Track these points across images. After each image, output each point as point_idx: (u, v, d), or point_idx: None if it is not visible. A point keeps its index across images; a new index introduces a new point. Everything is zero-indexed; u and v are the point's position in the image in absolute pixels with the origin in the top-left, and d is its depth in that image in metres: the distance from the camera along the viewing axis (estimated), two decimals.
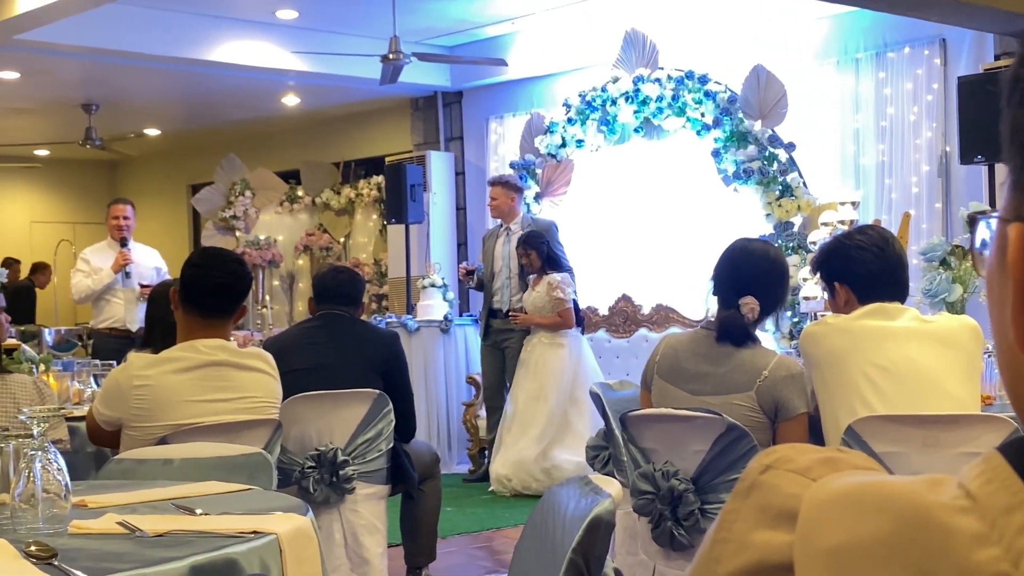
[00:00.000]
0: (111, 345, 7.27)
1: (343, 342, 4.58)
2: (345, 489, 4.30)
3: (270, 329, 10.24)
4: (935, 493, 0.63)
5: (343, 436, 4.33)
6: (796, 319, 7.31)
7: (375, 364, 4.56)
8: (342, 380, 4.41)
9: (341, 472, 4.27)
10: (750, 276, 3.38)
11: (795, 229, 7.62)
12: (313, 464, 4.27)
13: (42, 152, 14.16)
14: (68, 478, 2.29)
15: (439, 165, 10.34)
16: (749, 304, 3.34)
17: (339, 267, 5.48)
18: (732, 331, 3.34)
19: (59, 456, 2.31)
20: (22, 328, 9.24)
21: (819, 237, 7.25)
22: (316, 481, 4.26)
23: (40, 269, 13.20)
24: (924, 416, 3.03)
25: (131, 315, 7.50)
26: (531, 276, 7.68)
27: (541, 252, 7.46)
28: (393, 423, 4.40)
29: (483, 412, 8.30)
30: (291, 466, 4.27)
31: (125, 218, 7.74)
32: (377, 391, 4.36)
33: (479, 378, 8.32)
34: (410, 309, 9.25)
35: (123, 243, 7.73)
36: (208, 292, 3.52)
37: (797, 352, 6.73)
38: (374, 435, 4.36)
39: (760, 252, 3.45)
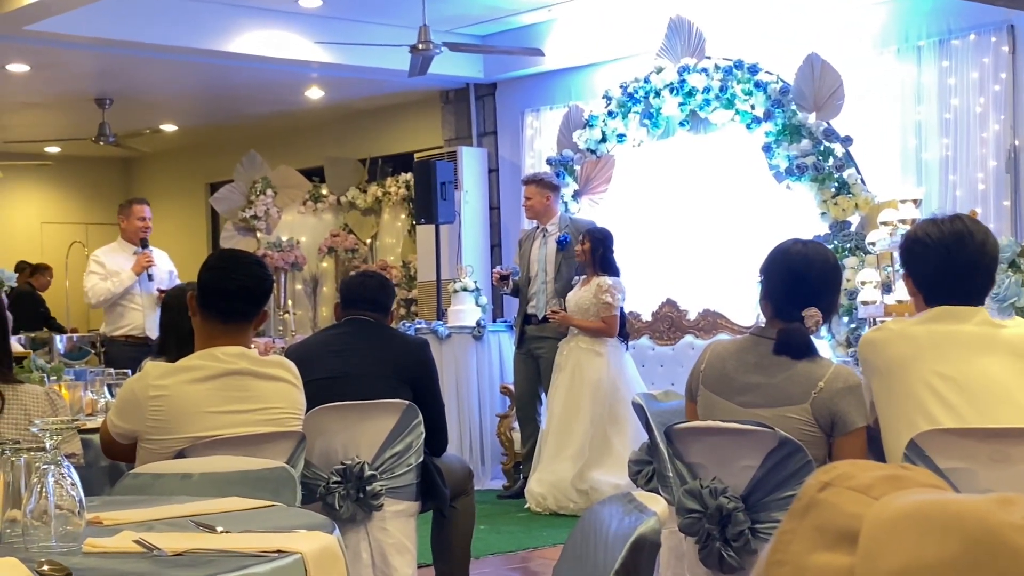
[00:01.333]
0: (128, 354, 7.32)
1: (370, 350, 4.59)
2: (372, 506, 4.31)
3: (292, 336, 10.29)
4: (1006, 512, 0.63)
5: (370, 449, 4.34)
6: (853, 325, 7.27)
7: (404, 373, 4.57)
8: (369, 390, 4.42)
9: (368, 488, 4.28)
10: (811, 286, 3.36)
11: (852, 229, 7.58)
12: (339, 479, 4.28)
13: (53, 149, 14.29)
14: (82, 493, 2.31)
15: (471, 162, 10.35)
16: (815, 317, 3.33)
17: (368, 271, 5.50)
18: (795, 345, 3.33)
19: (72, 470, 2.33)
20: (32, 335, 9.32)
21: (878, 237, 7.21)
22: (342, 497, 4.27)
23: (40, 271, 13.25)
24: (992, 429, 3.01)
25: (151, 321, 7.55)
26: (578, 277, 7.67)
27: (596, 249, 7.45)
28: (423, 436, 4.40)
29: (517, 424, 8.30)
30: (315, 481, 4.28)
31: (148, 219, 7.84)
32: (406, 402, 4.37)
33: (514, 388, 8.32)
34: (440, 315, 9.26)
35: (143, 244, 7.80)
36: (227, 296, 3.54)
37: (855, 360, 6.70)
38: (403, 448, 4.37)
39: (820, 258, 3.43)
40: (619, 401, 7.30)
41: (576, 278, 7.74)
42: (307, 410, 3.77)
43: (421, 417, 4.38)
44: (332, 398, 4.31)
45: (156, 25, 8.82)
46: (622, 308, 7.53)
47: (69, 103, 11.51)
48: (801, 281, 3.38)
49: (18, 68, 9.99)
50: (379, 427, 4.36)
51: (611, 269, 7.52)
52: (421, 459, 4.43)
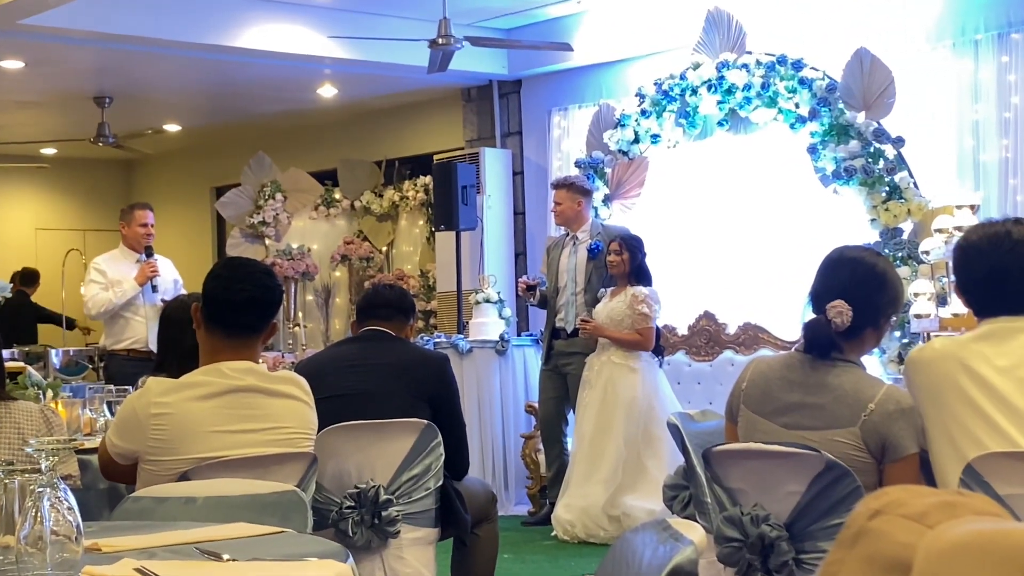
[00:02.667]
0: (130, 369, 7.35)
1: (386, 365, 4.60)
2: (389, 532, 4.31)
3: (303, 350, 10.31)
4: None
5: (386, 472, 4.35)
6: (906, 340, 7.24)
7: (423, 390, 4.57)
8: (386, 408, 4.43)
9: (384, 513, 4.28)
10: (841, 281, 3.36)
11: (904, 236, 7.55)
12: (352, 504, 4.29)
13: (49, 151, 14.38)
14: (80, 518, 2.32)
15: (494, 164, 10.37)
16: (837, 307, 3.31)
17: (386, 282, 5.49)
18: (817, 341, 3.32)
19: (69, 493, 2.34)
20: (26, 349, 9.38)
21: (932, 246, 7.18)
22: (356, 523, 4.28)
23: (31, 277, 13.32)
24: None
25: (155, 334, 7.59)
26: (605, 289, 7.65)
27: (635, 258, 7.46)
28: (443, 458, 4.41)
29: (543, 446, 8.30)
30: (328, 506, 4.29)
31: (152, 225, 7.89)
32: (424, 421, 4.38)
33: (539, 407, 8.31)
34: (461, 328, 9.27)
35: (148, 252, 7.85)
36: (233, 308, 3.56)
37: None
38: (421, 471, 4.37)
39: (855, 256, 3.45)
40: (654, 421, 7.28)
41: (603, 290, 7.73)
42: (319, 429, 3.78)
43: (440, 438, 4.39)
44: (346, 416, 4.32)
45: (159, 19, 8.87)
46: (656, 322, 7.52)
47: (66, 102, 11.58)
48: (827, 278, 3.39)
49: (12, 64, 10.06)
50: (395, 448, 4.37)
51: (646, 278, 7.53)
52: (440, 483, 4.43)
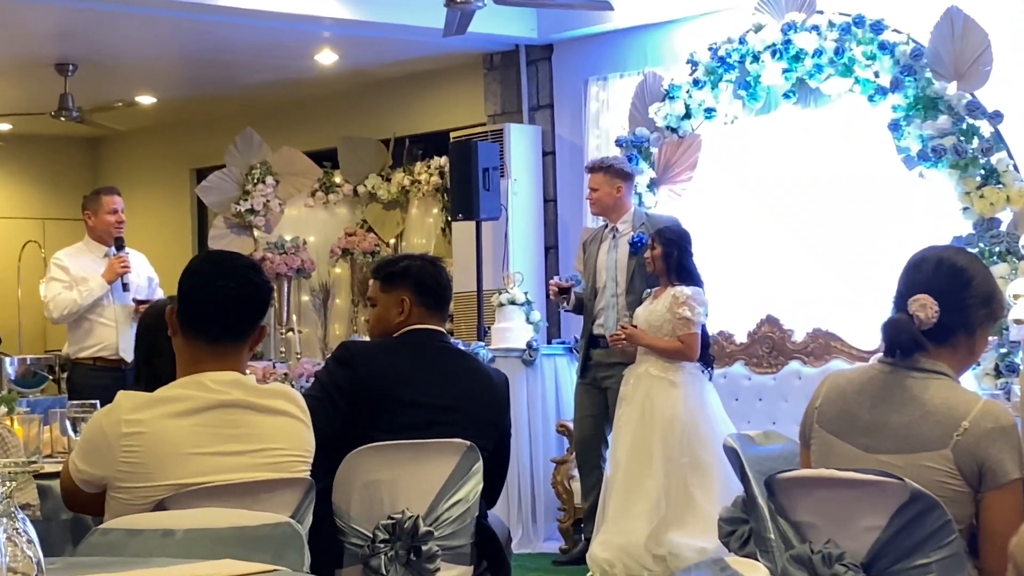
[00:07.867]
0: (97, 380, 7.39)
1: (473, 379, 4.63)
2: (427, 570, 4.26)
3: (297, 359, 10.34)
4: None
5: (423, 500, 4.31)
6: (1004, 350, 7.21)
7: (499, 415, 4.62)
8: (470, 431, 4.44)
9: (424, 548, 4.24)
10: (924, 277, 3.40)
11: (1002, 228, 7.52)
12: (387, 537, 4.25)
13: (4, 126, 14.44)
14: (40, 553, 2.33)
15: (521, 142, 10.38)
16: (919, 300, 3.32)
17: (430, 256, 5.23)
18: (899, 339, 3.34)
19: (29, 525, 2.35)
20: None
21: None
22: (390, 559, 4.23)
23: None
24: None
25: (126, 339, 7.60)
26: (650, 290, 7.63)
27: (669, 253, 7.41)
28: (481, 485, 4.39)
29: (578, 472, 8.29)
30: (353, 538, 4.26)
31: (122, 212, 7.90)
32: (468, 442, 4.36)
33: (574, 426, 8.31)
34: (482, 334, 9.28)
35: (119, 245, 7.86)
36: (215, 309, 3.56)
37: (1006, 395, 6.63)
38: (461, 499, 4.36)
39: (939, 254, 3.50)
40: (700, 444, 7.25)
41: (648, 290, 7.71)
42: (396, 438, 3.79)
43: (480, 460, 4.37)
44: (432, 433, 4.34)
45: None
46: (704, 325, 7.48)
47: (23, 69, 11.62)
48: (912, 274, 3.42)
49: None
50: (434, 473, 4.32)
51: (690, 277, 7.48)
52: (477, 514, 4.43)
